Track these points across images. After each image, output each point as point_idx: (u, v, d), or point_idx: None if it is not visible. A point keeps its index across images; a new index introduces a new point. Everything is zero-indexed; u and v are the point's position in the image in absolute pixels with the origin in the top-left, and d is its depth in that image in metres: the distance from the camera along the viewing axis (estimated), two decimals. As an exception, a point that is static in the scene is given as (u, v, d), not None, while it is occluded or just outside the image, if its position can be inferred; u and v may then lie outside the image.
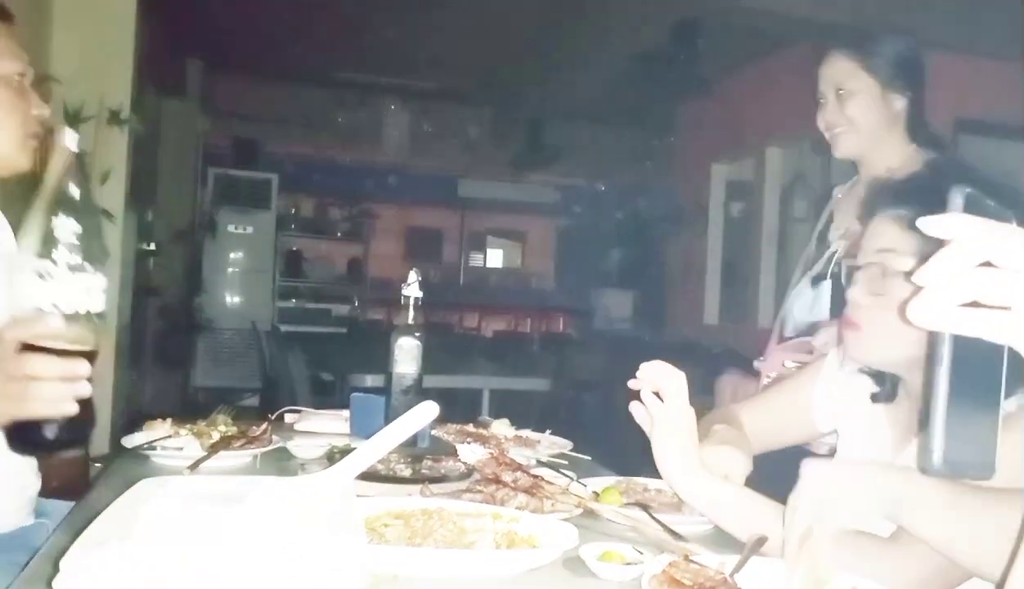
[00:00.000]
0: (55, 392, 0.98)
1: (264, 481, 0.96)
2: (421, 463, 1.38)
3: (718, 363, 2.05)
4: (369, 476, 1.21)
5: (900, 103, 1.87)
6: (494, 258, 11.31)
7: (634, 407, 1.22)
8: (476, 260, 11.12)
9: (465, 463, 1.40)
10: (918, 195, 1.12)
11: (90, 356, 1.00)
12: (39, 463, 1.45)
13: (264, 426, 1.59)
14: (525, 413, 3.85)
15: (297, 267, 8.67)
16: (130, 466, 1.38)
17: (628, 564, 0.97)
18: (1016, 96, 4.45)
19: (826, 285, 1.94)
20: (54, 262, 0.96)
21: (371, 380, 3.60)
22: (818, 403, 1.40)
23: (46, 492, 1.49)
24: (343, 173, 8.97)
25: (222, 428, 1.56)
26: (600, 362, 6.22)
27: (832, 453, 1.43)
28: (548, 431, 1.77)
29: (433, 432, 1.65)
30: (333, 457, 1.40)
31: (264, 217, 7.79)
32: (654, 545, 1.07)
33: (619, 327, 8.11)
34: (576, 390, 5.67)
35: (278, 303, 8.10)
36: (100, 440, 2.31)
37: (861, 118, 1.87)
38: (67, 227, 0.96)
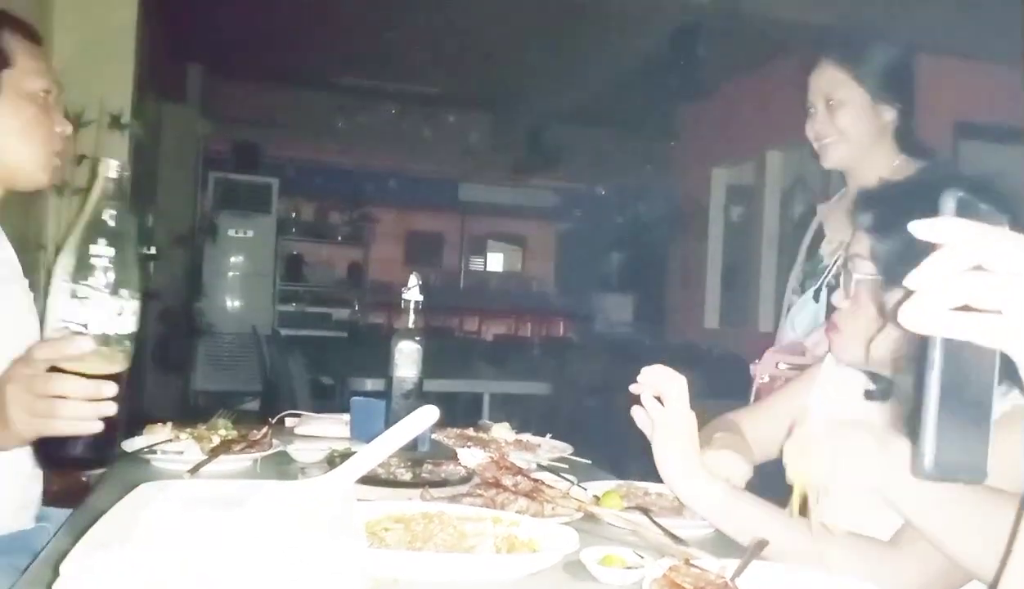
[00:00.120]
0: (81, 411, 1.00)
1: (264, 485, 0.96)
2: (421, 467, 1.38)
3: (719, 366, 2.05)
4: (369, 480, 1.21)
5: (890, 114, 1.86)
6: (494, 262, 11.32)
7: (635, 411, 1.22)
8: (476, 264, 11.13)
9: (465, 467, 1.39)
10: (884, 201, 1.15)
11: (117, 377, 1.02)
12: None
13: (264, 430, 1.59)
14: (525, 417, 3.85)
15: (297, 271, 8.67)
16: (130, 470, 1.37)
17: (629, 568, 0.97)
18: (1016, 100, 4.45)
19: (822, 296, 1.94)
20: (90, 285, 0.99)
21: (371, 384, 3.59)
22: (815, 404, 1.40)
23: (46, 496, 1.49)
24: (344, 177, 8.98)
25: (222, 432, 1.56)
26: (600, 366, 6.21)
27: None
28: (548, 435, 1.77)
29: (433, 436, 1.65)
30: (333, 461, 1.40)
31: (265, 221, 7.80)
32: (655, 549, 1.07)
33: (619, 331, 8.11)
34: (576, 394, 5.66)
35: (278, 307, 8.11)
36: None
37: (851, 128, 1.86)
38: (103, 252, 0.99)
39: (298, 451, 1.53)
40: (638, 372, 1.21)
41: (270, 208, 7.83)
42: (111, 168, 1.03)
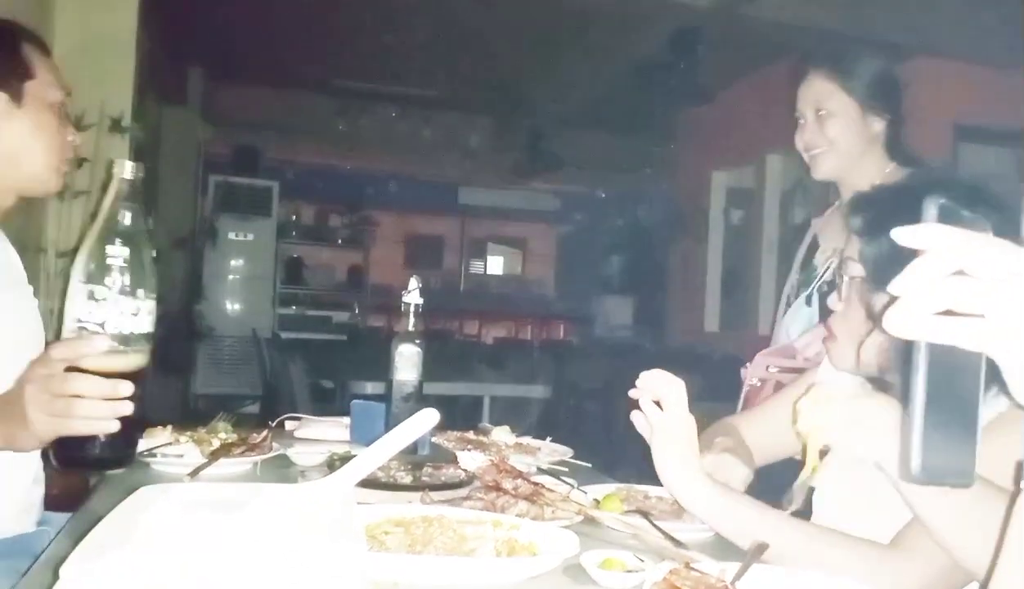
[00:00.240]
0: (97, 411, 1.00)
1: (264, 488, 0.96)
2: (421, 470, 1.38)
3: (718, 370, 2.05)
4: (369, 483, 1.21)
5: (879, 124, 1.87)
6: (494, 265, 11.32)
7: (634, 416, 1.22)
8: (476, 267, 11.13)
9: (465, 470, 1.40)
10: (874, 205, 1.16)
11: (134, 377, 1.02)
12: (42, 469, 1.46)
13: (264, 433, 1.60)
14: (526, 420, 3.85)
15: (298, 274, 8.67)
16: (130, 473, 1.37)
17: (629, 571, 0.97)
18: (1015, 103, 4.45)
19: (815, 301, 1.95)
20: (107, 286, 1.00)
21: (371, 387, 3.59)
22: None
23: (46, 500, 1.50)
24: (344, 180, 8.99)
25: (222, 435, 1.56)
26: (601, 369, 6.20)
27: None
28: (548, 438, 1.77)
29: (433, 439, 1.65)
30: (333, 464, 1.40)
31: (265, 224, 7.80)
32: (655, 552, 1.07)
33: (619, 334, 8.11)
34: (577, 397, 5.65)
35: (279, 310, 8.10)
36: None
37: (840, 139, 1.86)
38: (119, 252, 1.01)
39: (298, 454, 1.53)
40: (638, 376, 1.21)
41: (270, 211, 7.83)
42: (126, 169, 1.04)
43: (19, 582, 0.97)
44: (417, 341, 1.67)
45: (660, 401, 1.20)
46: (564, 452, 1.69)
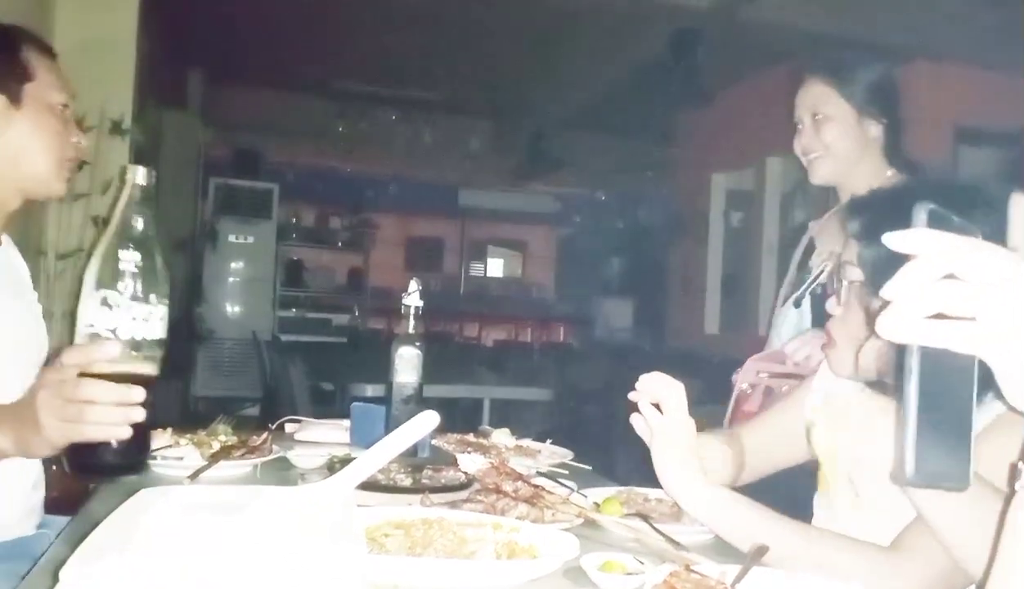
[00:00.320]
0: (110, 416, 1.00)
1: (264, 491, 0.96)
2: (421, 473, 1.38)
3: (718, 372, 2.05)
4: (369, 486, 1.21)
5: (876, 129, 1.86)
6: (494, 267, 11.32)
7: (634, 418, 1.22)
8: (476, 269, 11.13)
9: (466, 473, 1.39)
10: (871, 209, 1.16)
11: (146, 382, 1.03)
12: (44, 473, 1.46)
13: (264, 436, 1.59)
14: (526, 423, 3.85)
15: (298, 277, 8.67)
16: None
17: (629, 574, 0.97)
18: (1016, 106, 4.46)
19: (807, 304, 1.95)
20: (119, 292, 1.00)
21: (371, 390, 3.59)
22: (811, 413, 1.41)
23: (46, 503, 1.50)
24: (344, 183, 8.99)
25: (222, 438, 1.56)
26: (601, 371, 6.21)
27: None
28: (549, 441, 1.77)
29: (433, 442, 1.65)
30: (333, 467, 1.40)
31: (265, 227, 7.80)
32: (655, 555, 1.07)
33: (620, 336, 8.11)
34: (577, 400, 5.66)
35: (279, 313, 8.10)
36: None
37: (837, 144, 1.87)
38: (131, 258, 1.01)
39: (298, 457, 1.53)
40: (638, 378, 1.21)
41: (270, 214, 7.84)
42: (139, 175, 1.04)
43: (19, 585, 0.96)
44: (417, 343, 1.67)
45: (660, 404, 1.20)
46: (564, 455, 1.69)
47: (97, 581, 0.68)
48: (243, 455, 1.49)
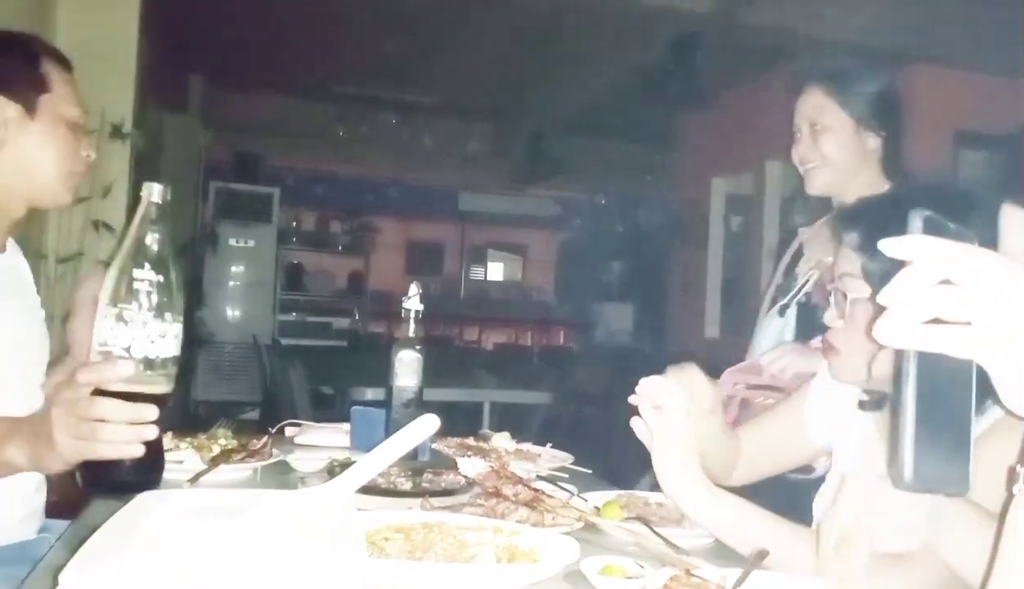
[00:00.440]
0: (123, 435, 1.01)
1: (264, 494, 0.96)
2: (422, 476, 1.38)
3: (718, 375, 2.04)
4: (369, 490, 1.21)
5: (875, 141, 1.85)
6: (495, 271, 11.33)
7: (634, 422, 1.22)
8: (477, 273, 11.14)
9: (466, 477, 1.39)
10: (866, 219, 1.15)
11: (160, 400, 1.03)
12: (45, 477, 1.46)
13: (264, 439, 1.59)
14: (526, 426, 3.84)
15: (298, 280, 8.68)
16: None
17: (629, 578, 0.97)
18: (1016, 110, 4.47)
19: (791, 313, 1.92)
20: (134, 309, 1.00)
21: (372, 393, 3.59)
22: (810, 417, 1.41)
23: (46, 507, 1.50)
24: (344, 187, 9.00)
25: (222, 441, 1.56)
26: (601, 375, 6.20)
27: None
28: (549, 444, 1.77)
29: (434, 445, 1.65)
30: (333, 470, 1.39)
31: (265, 231, 7.80)
32: (655, 559, 1.07)
33: (620, 340, 8.11)
34: (577, 403, 5.65)
35: (279, 316, 8.10)
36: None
37: (834, 154, 1.85)
38: (146, 276, 1.01)
39: (298, 461, 1.53)
40: (638, 382, 1.21)
41: (271, 217, 7.84)
42: (154, 192, 1.05)
43: (19, 589, 0.96)
44: (417, 347, 1.67)
45: (660, 407, 1.20)
46: (564, 458, 1.68)
47: (96, 584, 0.68)
48: (243, 459, 1.49)
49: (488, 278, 11.26)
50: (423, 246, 10.63)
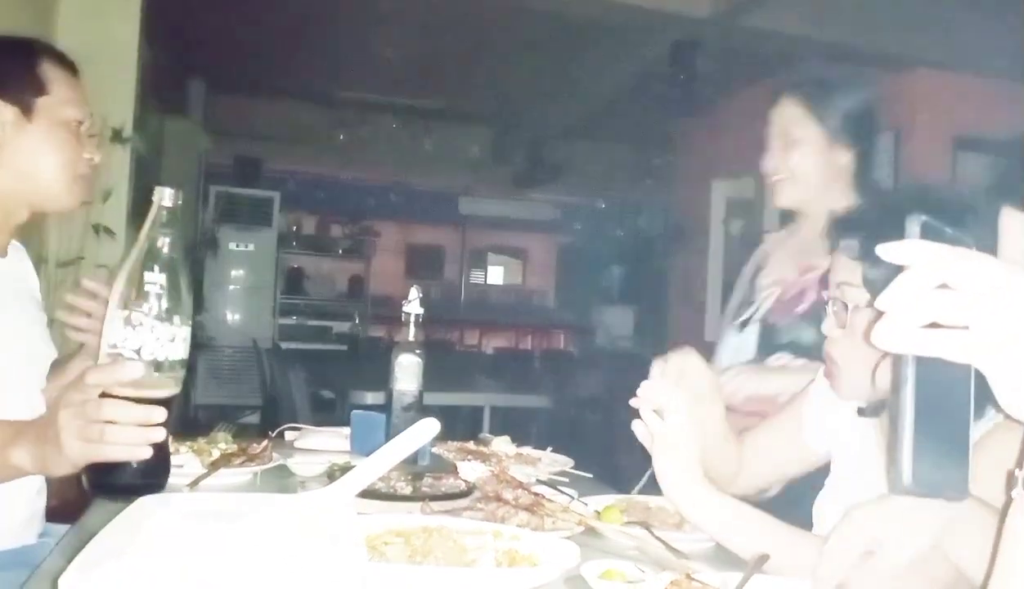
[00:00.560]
0: (130, 437, 1.01)
1: (264, 498, 0.96)
2: (422, 481, 1.38)
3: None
4: (369, 494, 1.21)
5: (847, 156, 1.81)
6: (495, 275, 11.34)
7: (635, 425, 1.22)
8: (477, 277, 11.14)
9: (466, 481, 1.39)
10: (865, 227, 1.15)
11: (167, 402, 1.03)
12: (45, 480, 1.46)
13: (264, 443, 1.59)
14: (526, 430, 3.84)
15: (298, 285, 8.68)
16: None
17: (630, 582, 0.97)
18: (1015, 114, 4.47)
19: (752, 330, 1.87)
20: (143, 312, 1.01)
21: (372, 397, 3.59)
22: (809, 424, 1.40)
23: (45, 511, 1.49)
24: (344, 191, 9.01)
25: (222, 445, 1.56)
26: (601, 379, 6.21)
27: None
28: (549, 449, 1.77)
29: (434, 449, 1.65)
30: (333, 475, 1.39)
31: (265, 235, 7.81)
32: (656, 563, 1.07)
33: (620, 344, 8.11)
34: (577, 407, 5.65)
35: (279, 320, 8.10)
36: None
37: (804, 168, 1.81)
38: (156, 279, 1.02)
39: (298, 465, 1.53)
40: (638, 385, 1.21)
41: (271, 221, 7.84)
42: (166, 196, 1.06)
43: (18, 593, 0.96)
44: (417, 351, 1.67)
45: (661, 410, 1.20)
46: (565, 462, 1.68)
47: (96, 587, 0.68)
48: (243, 463, 1.49)
49: (488, 282, 11.26)
50: (423, 250, 10.64)
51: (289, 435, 1.84)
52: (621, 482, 1.58)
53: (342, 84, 7.13)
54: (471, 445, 1.73)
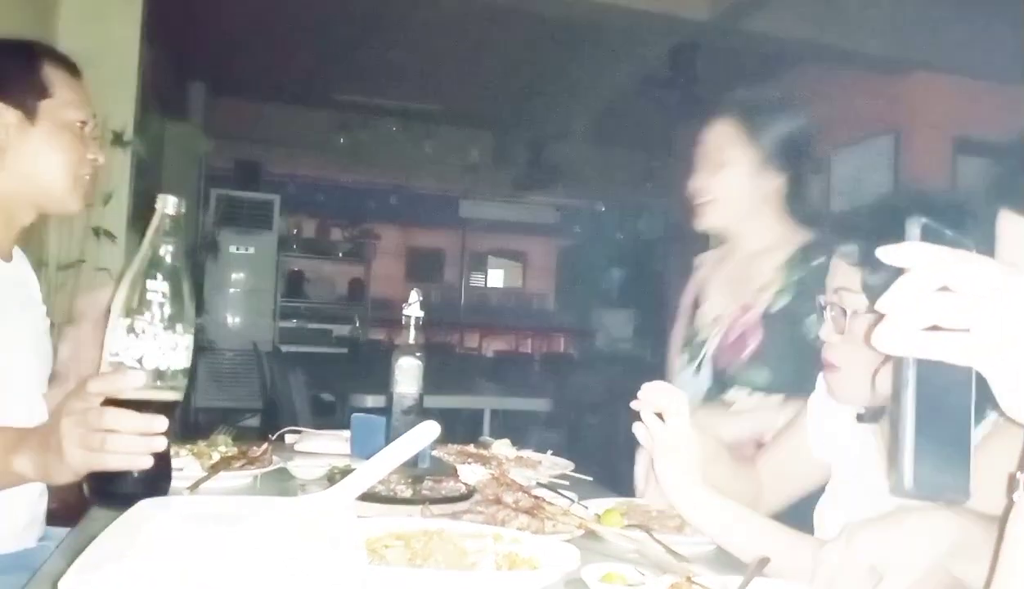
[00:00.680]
0: (132, 446, 1.01)
1: (264, 501, 0.96)
2: (422, 484, 1.37)
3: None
4: (370, 497, 1.21)
5: (777, 181, 1.77)
6: (495, 278, 11.33)
7: (637, 427, 1.22)
8: (477, 280, 11.14)
9: (466, 484, 1.39)
10: (864, 230, 1.14)
11: (168, 411, 1.03)
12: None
13: (264, 446, 1.59)
14: (526, 433, 3.83)
15: (298, 288, 8.67)
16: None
17: (630, 585, 0.97)
18: (1015, 116, 4.47)
19: (705, 369, 1.82)
20: (146, 320, 1.01)
21: (372, 400, 3.59)
22: (811, 432, 1.40)
23: (46, 514, 1.49)
24: (345, 194, 9.00)
25: (222, 448, 1.56)
26: (601, 382, 6.19)
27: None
28: (549, 451, 1.77)
29: (434, 452, 1.65)
30: (333, 478, 1.39)
31: (266, 238, 7.81)
32: (656, 566, 1.07)
33: (620, 347, 8.10)
34: (577, 410, 5.65)
35: (279, 323, 8.10)
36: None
37: (731, 191, 1.78)
38: (159, 287, 1.02)
39: (298, 468, 1.53)
40: (639, 388, 1.21)
41: (271, 225, 7.84)
42: (169, 204, 1.05)
43: (18, 596, 0.96)
44: (418, 354, 1.67)
45: (662, 413, 1.20)
46: (565, 465, 1.68)
47: (96, 588, 0.68)
48: (243, 466, 1.48)
49: (488, 285, 11.26)
50: (423, 253, 10.64)
51: (289, 438, 1.84)
52: (621, 485, 1.58)
53: (342, 87, 7.13)
54: (471, 448, 1.73)
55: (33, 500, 1.43)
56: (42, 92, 1.41)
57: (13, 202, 1.43)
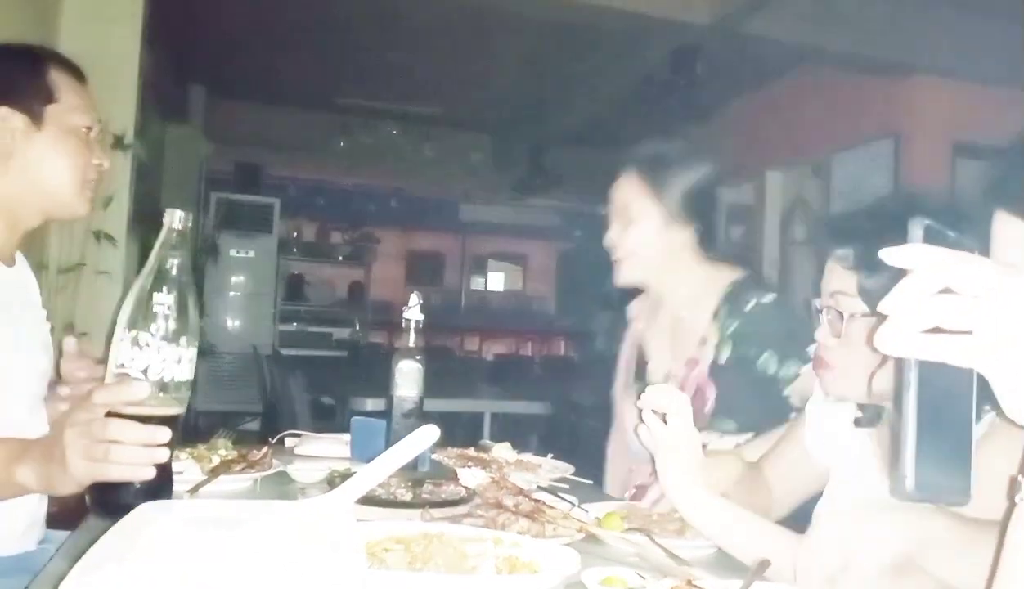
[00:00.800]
0: (135, 457, 1.01)
1: (265, 505, 0.96)
2: (422, 487, 1.37)
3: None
4: (370, 500, 1.21)
5: (686, 232, 1.79)
6: (495, 281, 11.33)
7: (638, 429, 1.22)
8: (477, 283, 11.14)
9: (466, 487, 1.39)
10: (859, 235, 1.15)
11: (171, 423, 1.04)
12: None
13: (264, 450, 1.59)
14: (526, 437, 3.83)
15: (298, 291, 8.68)
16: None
17: (630, 589, 0.97)
18: (1015, 119, 4.48)
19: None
20: (151, 333, 1.02)
21: (372, 404, 3.59)
22: (810, 435, 1.40)
23: (46, 517, 1.49)
24: (345, 197, 9.01)
25: (222, 452, 1.56)
26: (602, 385, 6.19)
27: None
28: (550, 455, 1.77)
29: (434, 456, 1.65)
30: (333, 481, 1.39)
31: (266, 241, 7.81)
32: (657, 570, 1.06)
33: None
34: (578, 414, 5.64)
35: (279, 327, 8.10)
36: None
37: (641, 249, 1.80)
38: (165, 300, 1.03)
39: (298, 471, 1.53)
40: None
41: (271, 228, 7.85)
42: (176, 219, 1.06)
43: (18, 599, 0.96)
44: (418, 357, 1.67)
45: (664, 414, 1.21)
46: (565, 469, 1.68)
47: (97, 595, 0.68)
48: (243, 469, 1.48)
49: (488, 288, 11.26)
50: (424, 256, 10.64)
51: (289, 441, 1.84)
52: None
53: (342, 91, 7.14)
54: (471, 451, 1.73)
55: (33, 503, 1.43)
56: (48, 97, 1.41)
57: (19, 206, 1.44)
